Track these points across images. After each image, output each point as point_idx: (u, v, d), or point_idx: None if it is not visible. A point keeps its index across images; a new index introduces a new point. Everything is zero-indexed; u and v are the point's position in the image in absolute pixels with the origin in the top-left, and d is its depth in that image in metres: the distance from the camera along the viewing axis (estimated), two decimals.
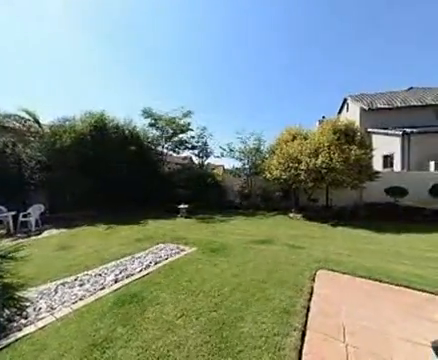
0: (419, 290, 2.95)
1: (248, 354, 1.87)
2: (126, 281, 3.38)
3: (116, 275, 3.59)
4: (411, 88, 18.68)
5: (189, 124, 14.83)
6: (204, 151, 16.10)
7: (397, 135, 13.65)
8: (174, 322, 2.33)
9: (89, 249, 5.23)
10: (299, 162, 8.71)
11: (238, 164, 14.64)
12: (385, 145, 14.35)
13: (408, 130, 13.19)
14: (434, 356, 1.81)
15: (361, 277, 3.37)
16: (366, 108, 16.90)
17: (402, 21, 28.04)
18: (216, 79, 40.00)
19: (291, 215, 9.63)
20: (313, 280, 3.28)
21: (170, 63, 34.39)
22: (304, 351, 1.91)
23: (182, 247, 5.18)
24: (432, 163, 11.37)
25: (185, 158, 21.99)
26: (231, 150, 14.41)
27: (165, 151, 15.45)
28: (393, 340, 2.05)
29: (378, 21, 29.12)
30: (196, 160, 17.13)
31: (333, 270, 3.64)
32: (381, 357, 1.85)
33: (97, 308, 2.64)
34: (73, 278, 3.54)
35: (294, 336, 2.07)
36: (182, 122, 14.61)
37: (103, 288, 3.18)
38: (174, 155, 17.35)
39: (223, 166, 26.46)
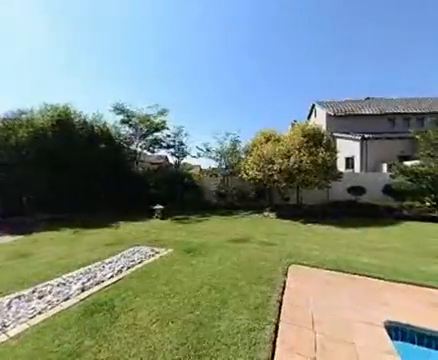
0: (376, 278, 3.33)
1: (225, 352, 1.89)
2: (95, 289, 3.14)
3: (83, 283, 3.31)
4: (368, 98, 20.94)
5: (164, 122, 14.41)
6: (180, 151, 15.82)
7: (357, 140, 15.20)
8: (149, 328, 2.24)
9: (51, 256, 4.73)
10: (273, 163, 9.12)
11: (215, 164, 14.76)
12: (347, 148, 15.86)
13: (366, 135, 14.80)
14: (386, 334, 2.06)
15: (327, 269, 3.67)
16: (332, 114, 18.48)
17: (366, 39, 31.35)
18: (193, 80, 39.84)
19: (265, 214, 10.02)
20: (285, 275, 3.47)
21: (145, 62, 33.19)
22: (277, 342, 2.01)
23: (157, 249, 5.01)
24: (385, 165, 12.92)
25: (160, 157, 21.34)
26: (208, 150, 14.44)
27: (139, 150, 14.77)
28: (354, 324, 2.27)
29: (349, 37, 32.10)
30: (172, 160, 16.75)
31: (303, 264, 3.89)
32: (344, 340, 2.04)
33: (60, 321, 2.40)
34: (31, 290, 3.16)
35: (268, 329, 2.15)
36: (157, 120, 14.13)
37: (68, 298, 2.90)
38: (149, 154, 16.71)
39: (200, 166, 26.36)
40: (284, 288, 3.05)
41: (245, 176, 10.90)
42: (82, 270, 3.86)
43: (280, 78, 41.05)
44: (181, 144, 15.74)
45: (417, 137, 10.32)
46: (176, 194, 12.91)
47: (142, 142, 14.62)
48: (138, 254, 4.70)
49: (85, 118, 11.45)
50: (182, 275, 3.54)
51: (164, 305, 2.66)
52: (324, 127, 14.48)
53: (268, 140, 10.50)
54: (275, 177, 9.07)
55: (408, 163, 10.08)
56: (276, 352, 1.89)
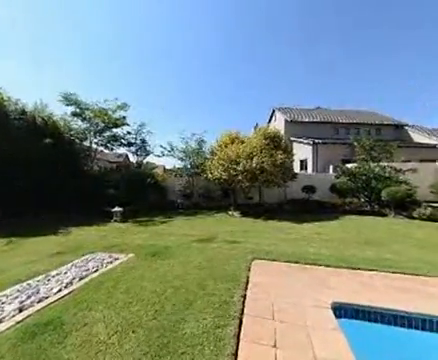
0: (324, 266, 3.79)
1: (190, 353, 1.88)
2: (37, 307, 2.71)
3: (21, 302, 2.81)
4: (318, 107, 23.71)
5: (125, 118, 13.38)
6: (142, 149, 14.96)
7: (309, 144, 17.04)
8: (106, 342, 2.05)
9: None
10: (237, 164, 9.46)
11: (180, 164, 14.44)
12: (301, 152, 17.63)
13: (316, 141, 16.73)
14: (332, 313, 2.37)
15: (285, 261, 4.01)
16: (289, 120, 20.26)
17: (319, 57, 35.33)
18: (157, 78, 38.31)
19: (230, 213, 10.32)
20: (249, 270, 3.64)
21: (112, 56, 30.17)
22: (241, 336, 2.09)
23: (116, 255, 4.62)
24: (331, 167, 14.84)
25: (120, 156, 19.78)
26: (172, 149, 14.03)
27: (94, 146, 13.35)
28: (306, 308, 2.54)
29: (306, 53, 35.57)
30: (133, 158, 15.67)
31: (264, 259, 4.16)
32: (298, 324, 2.26)
33: None
34: None
35: (233, 325, 2.23)
36: (116, 115, 13.02)
37: None
38: (107, 152, 15.27)
39: (164, 166, 25.41)
40: (247, 283, 3.20)
41: (210, 176, 11.01)
42: (19, 287, 3.27)
43: (244, 80, 43.12)
44: (143, 142, 14.91)
45: (355, 143, 12.22)
46: (138, 195, 12.14)
47: (98, 138, 13.26)
48: (93, 262, 4.25)
49: (24, 107, 9.73)
50: (145, 281, 3.35)
51: (124, 315, 2.47)
52: (282, 131, 15.78)
53: (233, 141, 10.84)
54: (239, 177, 9.43)
55: (349, 165, 11.83)
56: (240, 345, 1.98)
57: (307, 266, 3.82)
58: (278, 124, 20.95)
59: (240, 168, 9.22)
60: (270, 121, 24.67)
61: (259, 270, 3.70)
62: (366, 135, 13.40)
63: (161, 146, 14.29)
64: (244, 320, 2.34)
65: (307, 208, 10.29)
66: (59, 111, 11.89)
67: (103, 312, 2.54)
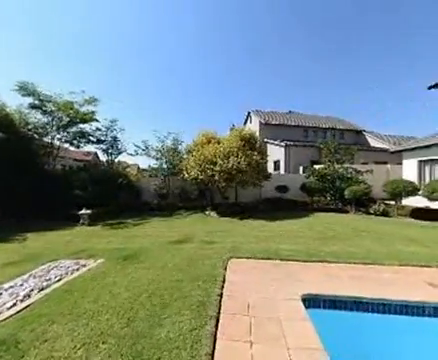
0: (296, 261, 4.03)
1: (167, 358, 1.83)
2: None
3: None
4: (290, 112, 25.12)
5: (94, 113, 12.41)
6: (114, 147, 14.08)
7: (282, 146, 17.95)
8: (72, 357, 1.88)
9: None
10: (214, 164, 9.50)
11: (155, 163, 13.97)
12: (275, 153, 18.48)
13: (288, 143, 17.71)
14: (302, 304, 2.53)
15: (260, 259, 4.16)
16: (263, 122, 21.07)
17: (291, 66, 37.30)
18: (132, 75, 36.45)
19: (207, 213, 10.33)
20: (225, 269, 3.69)
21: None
22: (218, 335, 2.11)
23: (84, 262, 4.27)
24: (301, 168, 15.85)
25: (89, 154, 18.36)
26: (147, 148, 13.49)
27: (57, 143, 12.12)
28: (279, 302, 2.67)
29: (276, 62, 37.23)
30: (104, 157, 14.65)
31: (240, 257, 4.26)
32: (272, 317, 2.37)
33: None
34: None
35: (209, 325, 2.23)
36: (84, 109, 12.02)
37: None
38: (72, 149, 14.00)
39: (138, 165, 24.27)
40: (224, 282, 3.24)
41: (187, 176, 10.87)
42: None
43: (220, 83, 43.61)
44: (115, 140, 14.03)
45: (322, 146, 13.25)
46: (109, 196, 11.39)
47: (62, 134, 12.07)
48: (56, 271, 3.86)
49: None
50: (117, 287, 3.16)
51: (93, 325, 2.30)
52: (257, 133, 16.32)
53: (209, 141, 10.86)
54: (216, 177, 9.49)
55: (317, 167, 12.77)
56: (217, 344, 1.99)
57: (280, 262, 4.02)
58: (253, 126, 21.62)
59: (217, 168, 9.28)
60: (246, 123, 25.33)
61: (235, 268, 3.77)
62: (332, 139, 14.66)
63: (135, 145, 13.66)
64: (221, 318, 2.36)
65: (280, 206, 10.83)
66: (14, 102, 10.53)
67: (68, 325, 2.32)
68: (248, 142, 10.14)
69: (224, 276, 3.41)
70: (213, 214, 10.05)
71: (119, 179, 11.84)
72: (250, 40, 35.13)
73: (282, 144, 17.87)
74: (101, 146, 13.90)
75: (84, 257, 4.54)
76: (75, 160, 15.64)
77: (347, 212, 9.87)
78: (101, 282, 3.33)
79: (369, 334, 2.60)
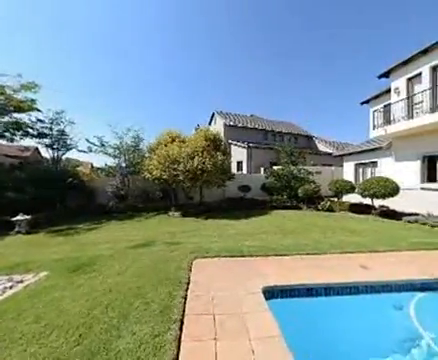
0: (257, 256, 4.28)
1: None
2: None
3: None
4: (252, 115, 26.50)
5: (33, 101, 10.57)
6: (61, 142, 12.28)
7: (244, 147, 18.80)
8: None
9: None
10: (178, 163, 9.29)
11: (113, 162, 12.81)
12: (238, 154, 19.22)
13: (251, 145, 18.66)
14: (263, 297, 2.71)
15: (224, 256, 4.27)
16: (227, 124, 21.66)
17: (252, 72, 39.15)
18: (88, 67, 32.51)
19: (170, 213, 10.02)
20: (190, 270, 3.65)
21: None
22: (182, 337, 2.08)
23: (19, 277, 3.61)
24: (262, 169, 16.91)
25: (26, 149, 15.65)
26: (103, 145, 12.25)
27: None
28: (242, 296, 2.80)
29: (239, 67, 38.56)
30: (47, 153, 12.60)
31: (205, 257, 4.28)
32: (235, 312, 2.46)
33: None
34: None
35: (173, 328, 2.18)
36: (20, 96, 10.12)
37: None
38: (4, 143, 11.65)
39: (91, 163, 21.88)
40: (189, 283, 3.20)
41: (149, 176, 10.35)
42: None
43: (185, 83, 43.00)
44: (62, 134, 12.26)
45: (280, 149, 14.43)
46: (55, 199, 9.92)
47: None
48: None
49: None
50: (64, 302, 2.78)
51: (34, 350, 1.97)
52: (222, 134, 16.70)
53: (173, 140, 10.57)
54: (180, 177, 9.30)
55: (275, 167, 13.83)
56: (181, 347, 1.96)
57: (243, 258, 4.21)
58: (217, 127, 22.00)
59: (181, 168, 9.11)
60: (210, 123, 25.58)
61: (200, 268, 3.77)
62: (288, 143, 16.16)
63: (88, 141, 12.23)
64: (185, 321, 2.33)
65: (243, 205, 11.32)
66: None
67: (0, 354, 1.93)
68: (213, 142, 10.26)
69: (189, 277, 3.38)
70: (177, 215, 9.81)
71: (68, 179, 10.42)
72: (213, 42, 35.68)
73: (245, 146, 18.72)
74: (44, 141, 11.94)
75: (20, 272, 3.84)
76: (7, 156, 13.02)
77: (301, 209, 10.99)
78: (44, 299, 2.88)
79: (319, 315, 2.96)
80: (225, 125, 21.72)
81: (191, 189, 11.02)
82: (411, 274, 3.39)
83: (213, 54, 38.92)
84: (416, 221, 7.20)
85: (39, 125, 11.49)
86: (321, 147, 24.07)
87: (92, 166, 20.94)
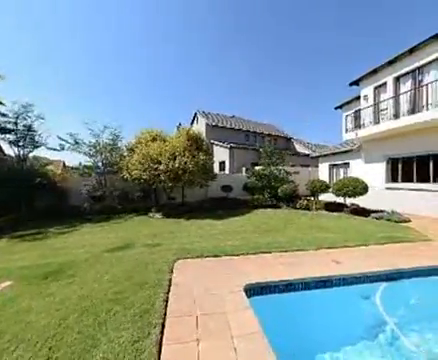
0: (238, 255, 4.35)
1: None
2: None
3: None
4: (233, 116, 26.84)
5: None
6: (27, 139, 11.21)
7: (227, 148, 18.97)
8: None
9: None
10: (159, 163, 9.06)
11: (88, 161, 12.05)
12: (220, 154, 19.33)
13: (233, 145, 18.89)
14: (244, 294, 2.76)
15: (206, 257, 4.27)
16: (209, 124, 21.65)
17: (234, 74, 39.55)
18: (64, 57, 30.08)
19: (151, 214, 9.74)
20: (171, 272, 3.59)
21: None
22: (164, 341, 2.04)
23: None
24: (244, 169, 17.21)
25: None
26: (77, 143, 11.46)
27: None
28: (224, 296, 2.83)
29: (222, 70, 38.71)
30: (11, 151, 11.42)
31: (187, 258, 4.24)
32: (218, 312, 2.48)
33: None
34: None
35: (154, 333, 2.12)
36: None
37: None
38: None
39: (63, 162, 20.39)
40: (170, 285, 3.15)
41: (128, 176, 9.95)
42: None
43: (166, 82, 42.11)
44: (29, 130, 11.21)
45: (261, 150, 14.82)
46: (20, 200, 9.04)
47: None
48: None
49: None
50: (32, 314, 2.55)
51: None
52: (204, 134, 16.65)
53: (154, 139, 10.28)
54: (162, 177, 9.08)
55: (257, 168, 14.18)
56: (162, 350, 1.92)
57: (225, 257, 4.25)
58: (199, 127, 21.91)
59: (162, 168, 8.90)
60: (193, 123, 25.38)
61: (182, 269, 3.73)
62: (268, 144, 16.68)
63: (60, 138, 11.34)
64: (167, 323, 2.29)
65: (225, 205, 11.42)
66: None
67: None
68: (195, 142, 10.18)
69: (170, 279, 3.32)
70: (158, 216, 9.57)
71: (36, 179, 9.57)
72: (195, 41, 35.46)
73: (227, 146, 18.89)
74: (7, 137, 10.80)
75: None
76: None
77: (280, 208, 11.41)
78: (8, 311, 2.62)
79: (297, 308, 3.11)
80: (207, 125, 21.70)
81: (173, 189, 10.82)
82: (377, 266, 3.71)
83: (195, 54, 38.65)
84: (382, 218, 7.90)
85: (1, 119, 10.37)
86: (299, 148, 25.24)
87: (64, 165, 19.52)
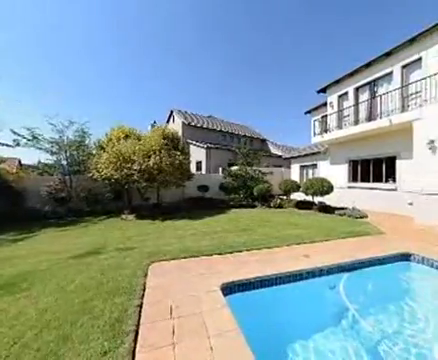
0: (215, 255, 4.37)
1: None
2: None
3: None
4: (210, 116, 26.92)
5: None
6: None
7: (203, 147, 18.93)
8: None
9: None
10: (132, 162, 8.63)
11: (49, 159, 10.90)
12: (197, 154, 19.21)
13: (210, 145, 18.92)
14: (221, 293, 2.79)
15: (183, 258, 4.20)
16: (186, 123, 21.35)
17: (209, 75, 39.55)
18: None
19: (124, 216, 9.23)
20: (146, 276, 3.44)
21: None
22: (137, 348, 1.94)
23: None
24: (220, 169, 17.36)
25: None
26: (36, 138, 10.28)
27: None
28: (201, 296, 2.82)
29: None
30: None
31: (162, 260, 4.11)
32: (195, 313, 2.46)
33: None
34: None
35: (127, 341, 2.01)
36: None
37: None
38: None
39: (19, 160, 18.10)
40: (145, 289, 3.02)
41: (98, 175, 9.27)
42: None
43: (139, 78, 40.33)
44: None
45: (237, 150, 15.12)
46: None
47: None
48: None
49: None
50: None
51: None
52: (180, 133, 16.36)
53: (127, 137, 9.77)
54: (135, 177, 8.66)
55: (233, 168, 14.43)
56: (136, 359, 1.83)
57: (202, 258, 4.23)
58: (176, 126, 21.48)
59: (136, 167, 8.49)
60: (168, 121, 24.74)
61: (157, 272, 3.60)
62: (244, 144, 17.11)
63: (14, 132, 10.03)
64: (141, 330, 2.19)
65: (202, 205, 11.39)
66: None
67: None
68: (171, 141, 9.95)
69: (144, 283, 3.18)
70: (131, 217, 9.11)
71: None
72: (171, 40, 34.66)
73: (204, 146, 18.86)
74: None
75: None
76: None
77: (255, 207, 11.80)
78: None
79: (271, 303, 3.25)
80: (184, 124, 21.38)
81: (147, 189, 10.40)
82: (340, 258, 4.08)
83: (170, 52, 37.73)
84: (344, 214, 8.71)
85: None
86: (273, 150, 26.42)
87: (20, 163, 17.34)
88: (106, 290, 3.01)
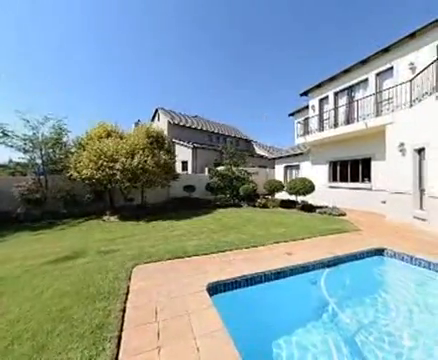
0: (201, 255, 4.35)
1: None
2: None
3: None
4: (196, 116, 26.75)
5: None
6: None
7: (190, 147, 18.78)
8: None
9: None
10: (115, 161, 8.31)
11: (22, 157, 10.14)
12: (183, 153, 18.99)
13: (196, 145, 18.80)
14: (207, 294, 2.79)
15: (168, 259, 4.13)
16: (172, 122, 21.03)
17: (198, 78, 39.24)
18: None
19: (105, 218, 8.86)
20: (129, 279, 3.34)
21: None
22: (120, 355, 1.88)
23: None
24: (206, 169, 17.34)
25: None
26: (6, 135, 9.49)
27: None
28: (187, 297, 2.79)
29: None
30: None
31: (147, 262, 4.01)
32: (180, 313, 2.43)
33: None
34: None
35: (109, 347, 1.94)
36: None
37: None
38: None
39: None
40: (128, 293, 2.92)
41: (77, 175, 8.80)
42: None
43: (125, 76, 39.01)
44: None
45: (223, 151, 15.20)
46: None
47: None
48: None
49: None
50: None
51: None
52: (165, 132, 16.06)
53: (109, 135, 9.38)
54: (118, 177, 8.34)
55: (219, 168, 14.46)
56: None
57: (188, 258, 4.19)
58: (161, 124, 21.05)
59: (119, 166, 8.18)
60: (153, 119, 24.18)
61: (141, 275, 3.51)
62: (230, 144, 17.25)
63: None
64: (124, 335, 2.12)
65: (188, 205, 11.29)
66: None
67: None
68: (156, 140, 9.74)
69: (128, 287, 3.09)
70: (114, 219, 8.77)
71: None
72: (158, 40, 33.93)
73: (190, 145, 18.71)
74: None
75: None
76: None
77: (241, 206, 11.95)
78: None
79: (256, 300, 3.31)
80: (169, 123, 21.04)
81: (131, 190, 10.07)
82: (320, 255, 4.28)
83: (155, 50, 36.90)
84: (325, 212, 9.13)
85: None
86: (258, 150, 26.93)
87: None
88: (86, 295, 2.87)
